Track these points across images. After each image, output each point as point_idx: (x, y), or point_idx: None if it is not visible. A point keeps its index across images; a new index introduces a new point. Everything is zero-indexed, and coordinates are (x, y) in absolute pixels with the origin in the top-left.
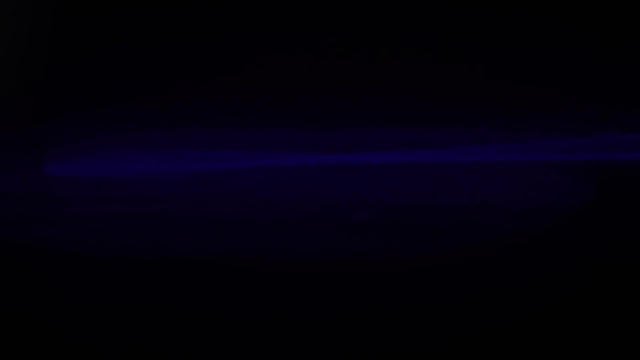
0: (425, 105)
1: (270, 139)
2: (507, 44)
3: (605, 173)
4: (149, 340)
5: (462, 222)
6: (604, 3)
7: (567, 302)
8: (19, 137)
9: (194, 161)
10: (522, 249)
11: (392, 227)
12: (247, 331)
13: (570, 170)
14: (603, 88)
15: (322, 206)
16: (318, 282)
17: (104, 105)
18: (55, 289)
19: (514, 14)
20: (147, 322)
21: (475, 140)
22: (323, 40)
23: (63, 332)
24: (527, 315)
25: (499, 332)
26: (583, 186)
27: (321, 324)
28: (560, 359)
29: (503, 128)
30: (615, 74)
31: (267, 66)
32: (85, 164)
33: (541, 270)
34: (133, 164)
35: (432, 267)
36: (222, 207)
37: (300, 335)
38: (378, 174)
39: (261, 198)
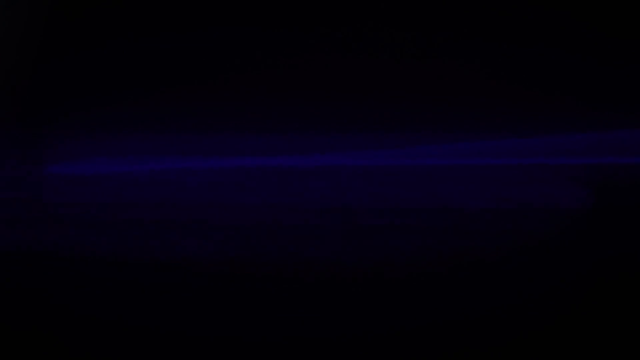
0: (417, 109)
1: (255, 142)
2: (501, 46)
3: (600, 176)
4: (144, 341)
5: (457, 225)
6: (603, 3)
7: (565, 307)
8: (19, 137)
9: (181, 162)
10: (517, 252)
11: (385, 231)
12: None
13: (567, 173)
14: (597, 91)
15: (311, 209)
16: (293, 287)
17: (100, 106)
18: (53, 289)
19: (506, 16)
20: (142, 321)
21: (470, 144)
22: (307, 42)
23: (59, 333)
24: (521, 321)
25: (494, 337)
26: (578, 189)
27: (299, 338)
28: None
29: (498, 131)
30: (610, 78)
31: (250, 70)
32: (84, 164)
33: (536, 274)
34: (130, 165)
35: (424, 272)
36: (207, 210)
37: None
38: (368, 177)
39: (248, 201)
